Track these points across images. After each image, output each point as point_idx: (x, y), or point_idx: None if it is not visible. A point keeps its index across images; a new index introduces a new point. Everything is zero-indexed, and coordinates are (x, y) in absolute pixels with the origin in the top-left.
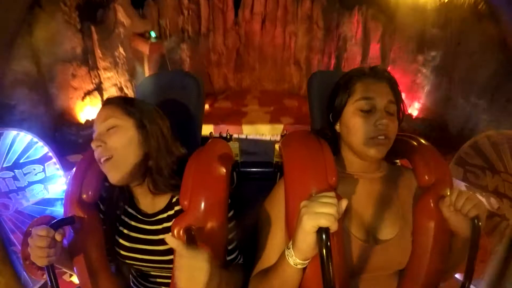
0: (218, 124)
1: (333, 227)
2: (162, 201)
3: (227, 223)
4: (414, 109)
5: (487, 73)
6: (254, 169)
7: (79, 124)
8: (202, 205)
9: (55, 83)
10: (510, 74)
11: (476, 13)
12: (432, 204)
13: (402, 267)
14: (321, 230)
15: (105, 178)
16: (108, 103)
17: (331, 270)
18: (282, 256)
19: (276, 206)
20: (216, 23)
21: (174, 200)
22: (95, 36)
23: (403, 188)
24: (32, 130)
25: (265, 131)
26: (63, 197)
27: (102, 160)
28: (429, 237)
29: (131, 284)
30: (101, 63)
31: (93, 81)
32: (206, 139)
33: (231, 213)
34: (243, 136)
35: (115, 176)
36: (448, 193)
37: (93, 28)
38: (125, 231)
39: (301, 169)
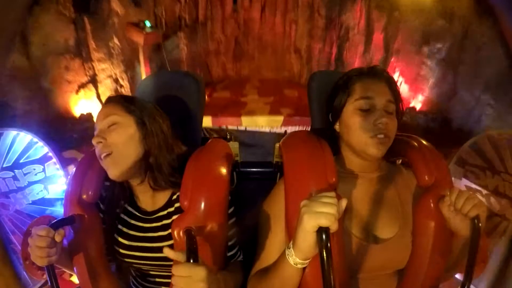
0: (217, 116)
1: (333, 227)
2: (162, 198)
3: (227, 223)
4: (417, 102)
5: (494, 68)
6: (254, 169)
7: (73, 118)
8: (202, 205)
9: (47, 77)
10: None
11: (485, 5)
12: (432, 204)
13: (402, 267)
14: (321, 230)
15: (106, 178)
16: (108, 101)
17: (331, 270)
18: (282, 256)
19: (276, 206)
20: (214, 11)
21: (174, 197)
22: (88, 27)
23: (403, 187)
24: (25, 127)
25: (264, 123)
26: (63, 197)
27: (102, 156)
28: (429, 237)
29: (131, 284)
30: (95, 55)
31: (87, 73)
32: (206, 139)
33: (231, 210)
34: (242, 128)
35: (114, 172)
36: (448, 193)
37: (86, 19)
38: (124, 229)
39: (301, 169)
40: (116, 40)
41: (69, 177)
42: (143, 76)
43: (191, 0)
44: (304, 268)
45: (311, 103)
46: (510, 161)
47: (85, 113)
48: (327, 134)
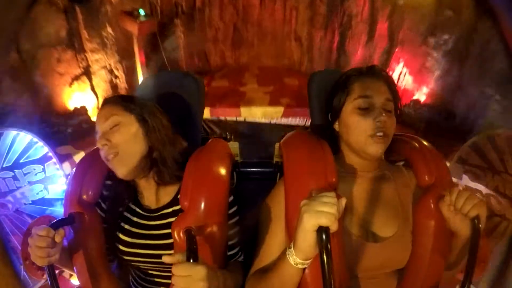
0: (215, 106)
1: (333, 226)
2: (167, 196)
3: (227, 222)
4: (422, 94)
5: (503, 63)
6: (254, 169)
7: (67, 112)
8: (202, 205)
9: (39, 70)
10: None
11: None
12: (432, 204)
13: (402, 266)
14: (321, 230)
15: (107, 177)
16: (106, 102)
17: (331, 270)
18: (282, 256)
19: (276, 206)
20: None
21: (179, 196)
22: (80, 16)
23: (403, 187)
24: (17, 123)
25: (264, 114)
26: (63, 197)
27: (109, 157)
28: (429, 237)
29: (131, 284)
30: (88, 45)
31: (80, 65)
32: (206, 139)
33: (234, 209)
34: (241, 119)
35: (122, 171)
36: (448, 193)
37: (77, 8)
38: (127, 226)
39: (301, 169)
40: (109, 29)
41: (69, 177)
42: (139, 67)
43: None
44: (304, 269)
45: (311, 102)
46: (510, 161)
47: (79, 107)
48: (326, 134)
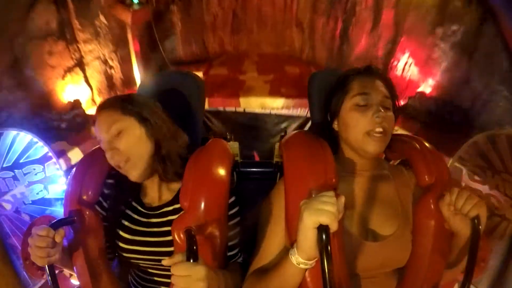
0: (213, 96)
1: (333, 225)
2: (168, 194)
3: (227, 223)
4: (427, 86)
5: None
6: (254, 169)
7: (61, 106)
8: (202, 205)
9: (29, 63)
10: None
11: None
12: (432, 204)
13: (402, 265)
14: (321, 229)
15: (108, 176)
16: (103, 108)
17: (331, 270)
18: (285, 255)
19: (276, 205)
20: None
21: (180, 196)
22: (71, 6)
23: (403, 187)
24: (10, 120)
25: (264, 105)
26: (63, 197)
27: (121, 165)
28: (429, 237)
29: (130, 284)
30: (80, 35)
31: (73, 56)
32: (206, 139)
33: (235, 210)
34: (241, 110)
35: (135, 174)
36: (448, 193)
37: None
38: (127, 223)
39: (301, 169)
40: (102, 18)
41: (69, 177)
42: (133, 58)
43: None
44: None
45: (311, 102)
46: (510, 161)
47: (72, 100)
48: (326, 134)
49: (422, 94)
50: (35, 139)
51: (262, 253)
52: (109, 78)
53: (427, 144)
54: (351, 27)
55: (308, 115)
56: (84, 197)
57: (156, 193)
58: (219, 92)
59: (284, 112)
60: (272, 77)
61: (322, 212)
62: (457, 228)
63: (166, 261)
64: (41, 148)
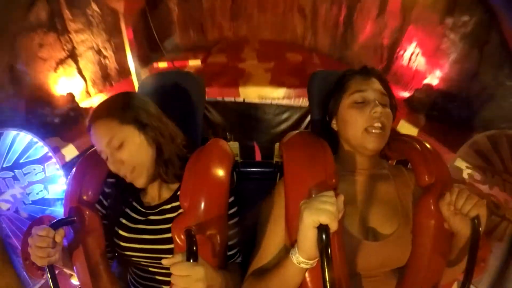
0: (212, 86)
1: (333, 225)
2: (167, 192)
3: (227, 223)
4: (434, 78)
5: None
6: (254, 169)
7: (53, 100)
8: (202, 206)
9: (20, 58)
10: None
11: None
12: (432, 204)
13: (401, 265)
14: (321, 229)
15: (109, 175)
16: (100, 117)
17: (331, 270)
18: (285, 255)
19: (276, 206)
20: None
21: (179, 192)
22: None
23: (403, 187)
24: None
25: (265, 95)
26: (63, 197)
27: (127, 175)
28: (429, 237)
29: (130, 284)
30: (72, 26)
31: (65, 47)
32: (206, 139)
33: (234, 210)
34: (240, 100)
35: (142, 181)
36: (448, 193)
37: None
38: (126, 222)
39: (301, 169)
40: (95, 7)
41: (69, 177)
42: (127, 48)
43: None
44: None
45: (311, 102)
46: (510, 161)
47: (65, 94)
48: (325, 135)
49: (429, 86)
50: (35, 139)
51: (262, 253)
52: (103, 68)
53: (427, 144)
54: (355, 13)
55: None
56: (84, 197)
57: (156, 192)
58: (218, 81)
59: (286, 102)
60: (273, 64)
61: (322, 211)
62: (457, 228)
63: (166, 261)
64: (41, 148)
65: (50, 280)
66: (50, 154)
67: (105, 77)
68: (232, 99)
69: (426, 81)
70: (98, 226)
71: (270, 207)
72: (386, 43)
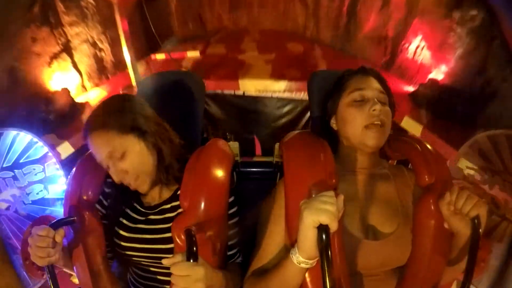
0: (211, 78)
1: (333, 225)
2: (167, 192)
3: (227, 222)
4: (439, 73)
5: None
6: (254, 169)
7: (48, 96)
8: (202, 206)
9: (12, 53)
10: None
11: None
12: (432, 204)
13: (401, 264)
14: (321, 229)
15: (108, 176)
16: (97, 128)
17: (331, 270)
18: (286, 255)
19: (276, 206)
20: None
21: (179, 192)
22: None
23: (403, 186)
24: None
25: (265, 88)
26: (63, 197)
27: (131, 183)
28: (429, 236)
29: (129, 284)
30: (66, 18)
31: (59, 41)
32: (206, 139)
33: (234, 209)
34: (240, 93)
35: (146, 187)
36: (449, 193)
37: None
38: (126, 222)
39: (301, 169)
40: None
41: (69, 177)
42: (123, 40)
43: None
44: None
45: (311, 102)
46: (510, 161)
47: (60, 89)
48: (325, 135)
49: (434, 81)
50: (35, 139)
51: (262, 253)
52: (99, 61)
53: (427, 145)
54: (359, 4)
55: None
56: (84, 197)
57: (156, 193)
58: (217, 73)
59: (287, 95)
60: (274, 56)
61: (322, 211)
62: (457, 228)
63: (166, 261)
64: (41, 148)
65: (50, 280)
66: (50, 154)
67: (101, 70)
68: (231, 92)
69: (431, 76)
70: (98, 226)
71: (270, 207)
72: (390, 35)
